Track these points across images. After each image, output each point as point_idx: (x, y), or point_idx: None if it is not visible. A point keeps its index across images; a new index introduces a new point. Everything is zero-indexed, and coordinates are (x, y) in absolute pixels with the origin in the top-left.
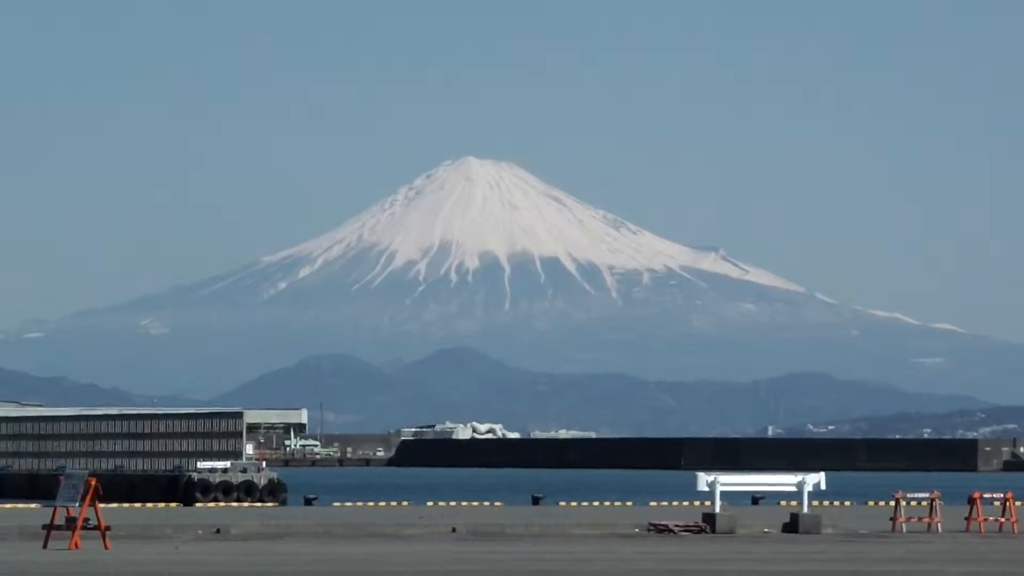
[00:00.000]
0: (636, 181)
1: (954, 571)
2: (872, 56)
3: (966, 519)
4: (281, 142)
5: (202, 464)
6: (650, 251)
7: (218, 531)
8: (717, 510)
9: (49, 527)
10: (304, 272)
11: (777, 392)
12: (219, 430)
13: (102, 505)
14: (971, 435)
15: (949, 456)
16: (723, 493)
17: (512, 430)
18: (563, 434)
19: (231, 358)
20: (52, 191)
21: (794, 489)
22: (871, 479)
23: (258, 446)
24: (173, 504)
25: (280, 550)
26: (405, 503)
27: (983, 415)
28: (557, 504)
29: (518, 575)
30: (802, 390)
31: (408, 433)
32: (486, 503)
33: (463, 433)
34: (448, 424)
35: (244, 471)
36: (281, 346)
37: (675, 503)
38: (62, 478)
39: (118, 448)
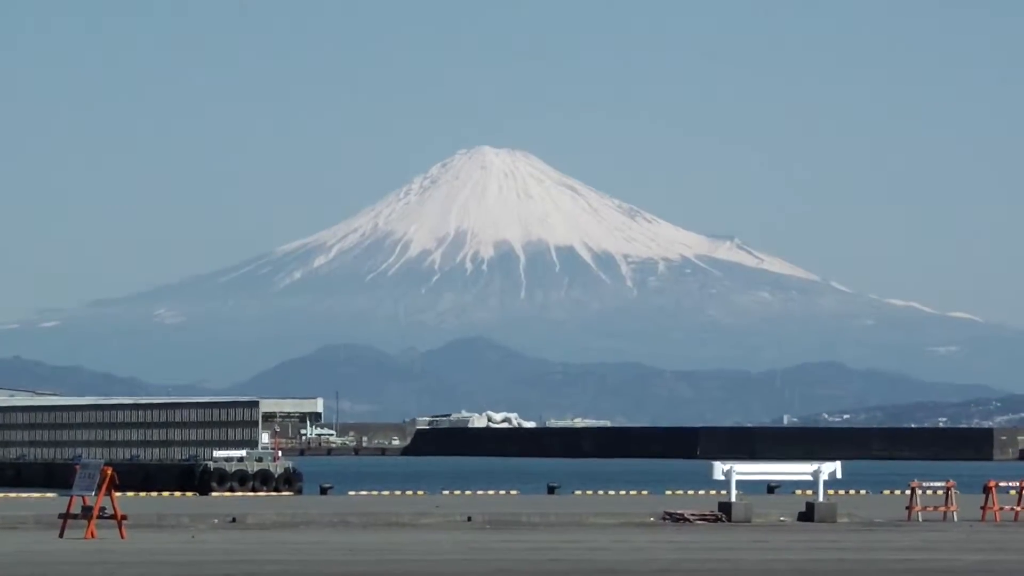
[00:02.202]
0: (651, 170)
1: (970, 560)
2: (888, 43)
3: (982, 508)
4: (296, 131)
5: (218, 453)
6: (665, 240)
7: (234, 520)
8: (733, 499)
9: (65, 516)
10: (319, 261)
11: (792, 381)
12: (235, 419)
13: (118, 494)
14: (987, 424)
15: (965, 445)
16: (739, 482)
17: (527, 419)
18: (578, 423)
19: (246, 347)
20: (68, 180)
21: (809, 478)
22: (886, 468)
23: (274, 435)
24: (189, 493)
25: (296, 539)
26: (421, 492)
27: (999, 404)
28: (572, 493)
29: (534, 564)
30: (817, 379)
31: (423, 422)
32: (502, 492)
33: (478, 422)
34: (463, 413)
35: (260, 460)
36: (296, 335)
37: (691, 492)
38: (78, 467)
39: (134, 437)
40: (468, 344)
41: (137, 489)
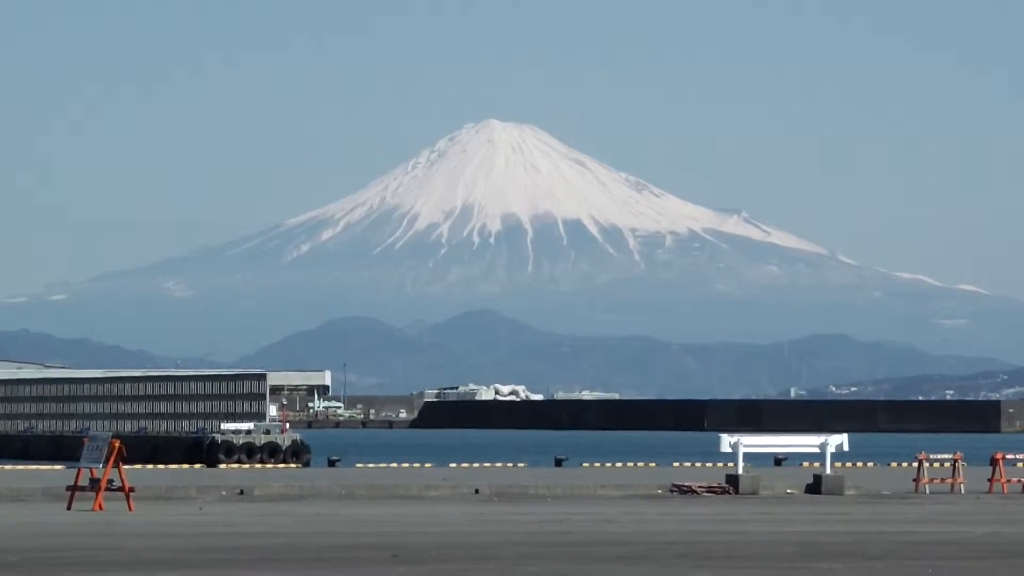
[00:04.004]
0: (658, 144)
1: (977, 532)
2: (892, 14)
3: (989, 480)
4: (304, 104)
5: (226, 426)
6: (673, 213)
7: (242, 492)
8: (740, 471)
9: (73, 488)
10: (327, 234)
11: (800, 354)
12: (242, 392)
13: (126, 466)
14: (994, 396)
15: (972, 417)
16: (746, 454)
17: (535, 392)
18: (586, 396)
19: (254, 320)
20: (75, 154)
21: (817, 450)
22: (894, 440)
23: (281, 408)
24: (197, 465)
25: (304, 511)
26: (428, 464)
27: (1006, 376)
28: (580, 465)
29: (542, 536)
30: (825, 352)
31: (431, 395)
32: (509, 464)
33: (486, 395)
34: (471, 386)
35: (267, 433)
36: (304, 308)
37: (698, 464)
38: (86, 440)
39: (142, 410)
40: (475, 317)
41: (145, 462)
